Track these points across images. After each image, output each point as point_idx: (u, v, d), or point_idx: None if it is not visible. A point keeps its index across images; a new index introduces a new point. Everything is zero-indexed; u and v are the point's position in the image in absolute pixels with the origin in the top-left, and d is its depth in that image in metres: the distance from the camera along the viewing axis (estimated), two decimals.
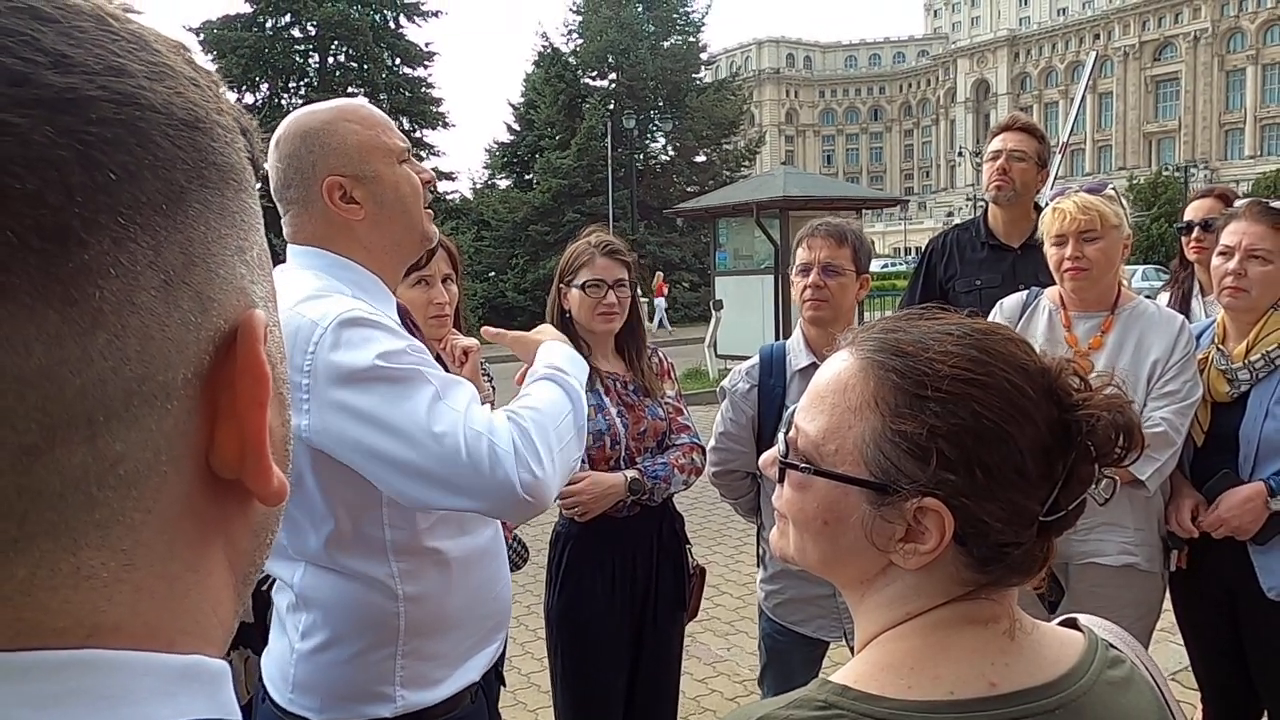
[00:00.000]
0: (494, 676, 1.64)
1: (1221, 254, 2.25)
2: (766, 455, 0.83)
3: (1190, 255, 3.25)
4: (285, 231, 1.42)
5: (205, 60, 0.38)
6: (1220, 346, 2.30)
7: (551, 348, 1.57)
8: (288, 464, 0.39)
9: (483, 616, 1.51)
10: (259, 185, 0.40)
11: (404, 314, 1.53)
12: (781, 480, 0.81)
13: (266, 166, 1.41)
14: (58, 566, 0.31)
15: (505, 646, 1.63)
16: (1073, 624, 0.81)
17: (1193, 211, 3.29)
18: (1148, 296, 2.56)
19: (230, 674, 0.37)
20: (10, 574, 0.30)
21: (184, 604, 0.35)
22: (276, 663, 1.43)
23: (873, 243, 2.55)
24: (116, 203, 0.30)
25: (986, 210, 3.17)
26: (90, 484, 0.31)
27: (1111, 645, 0.80)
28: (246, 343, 0.35)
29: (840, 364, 0.78)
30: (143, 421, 0.32)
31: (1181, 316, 2.35)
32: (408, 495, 1.28)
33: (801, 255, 2.35)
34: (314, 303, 1.29)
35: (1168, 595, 2.36)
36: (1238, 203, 2.61)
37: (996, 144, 3.02)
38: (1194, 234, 3.22)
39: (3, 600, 0.30)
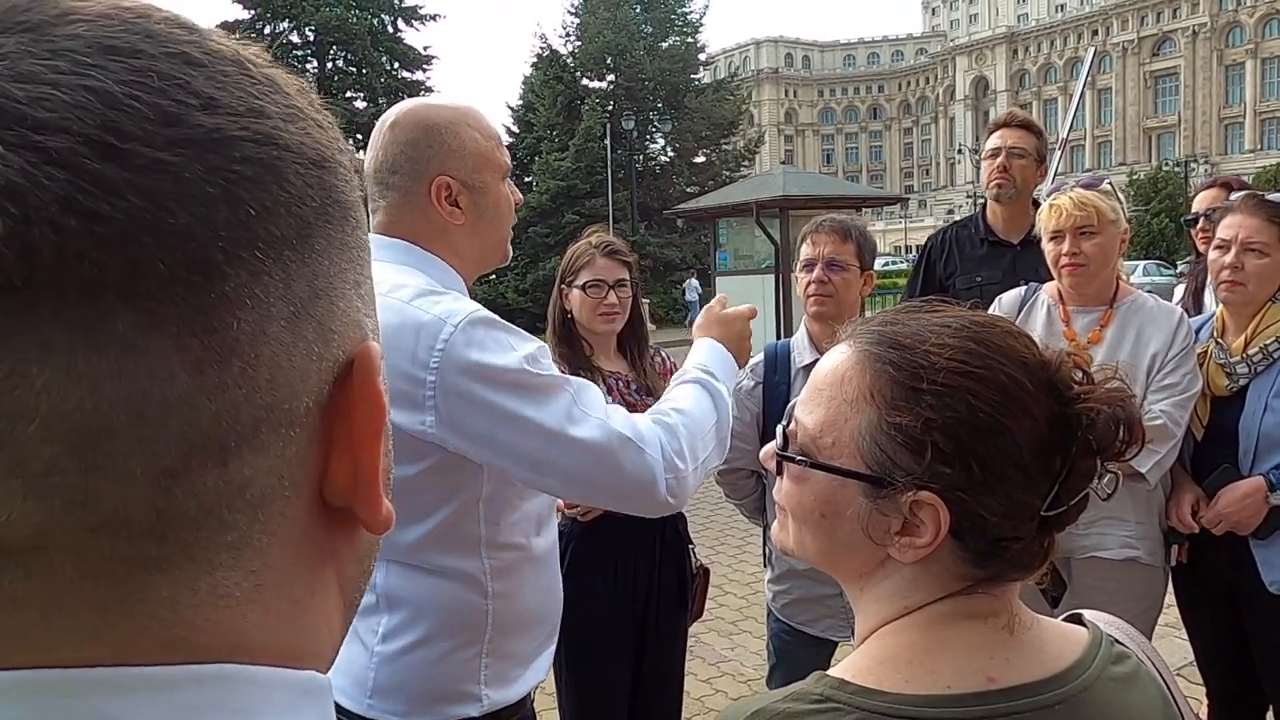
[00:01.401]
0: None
1: (1218, 247, 2.25)
2: (766, 448, 0.83)
3: (1200, 246, 3.25)
4: (374, 219, 1.41)
5: None
6: (1219, 340, 2.30)
7: (707, 346, 1.57)
8: (390, 492, 0.40)
9: (551, 615, 1.52)
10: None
11: None
12: (780, 473, 0.81)
13: (369, 147, 1.41)
14: (196, 586, 0.33)
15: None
16: (1077, 619, 0.81)
17: (1198, 203, 3.30)
18: (1150, 292, 2.57)
19: (331, 690, 0.39)
20: (156, 592, 0.32)
21: (304, 624, 0.37)
22: (346, 671, 1.39)
23: (875, 240, 2.55)
24: (255, 238, 0.32)
25: (985, 207, 3.17)
26: (222, 507, 0.33)
27: (1117, 641, 0.79)
28: (365, 374, 0.37)
29: (838, 357, 0.78)
30: (269, 448, 0.34)
31: (1180, 310, 2.35)
32: (553, 492, 1.33)
33: (805, 251, 2.35)
34: (434, 299, 1.29)
35: (1171, 590, 2.37)
36: (1233, 195, 2.62)
37: (995, 141, 3.01)
38: (1199, 225, 3.23)
39: (155, 618, 0.32)
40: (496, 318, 1.30)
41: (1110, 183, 2.33)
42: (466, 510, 1.36)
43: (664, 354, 2.60)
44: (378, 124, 1.42)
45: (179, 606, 0.32)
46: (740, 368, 1.63)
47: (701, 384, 1.46)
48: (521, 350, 1.28)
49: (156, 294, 0.29)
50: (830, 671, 0.75)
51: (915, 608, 0.75)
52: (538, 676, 1.48)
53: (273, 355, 0.33)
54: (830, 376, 0.78)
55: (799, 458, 0.78)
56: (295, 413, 0.34)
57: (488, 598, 1.38)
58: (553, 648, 1.55)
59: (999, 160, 2.98)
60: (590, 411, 1.28)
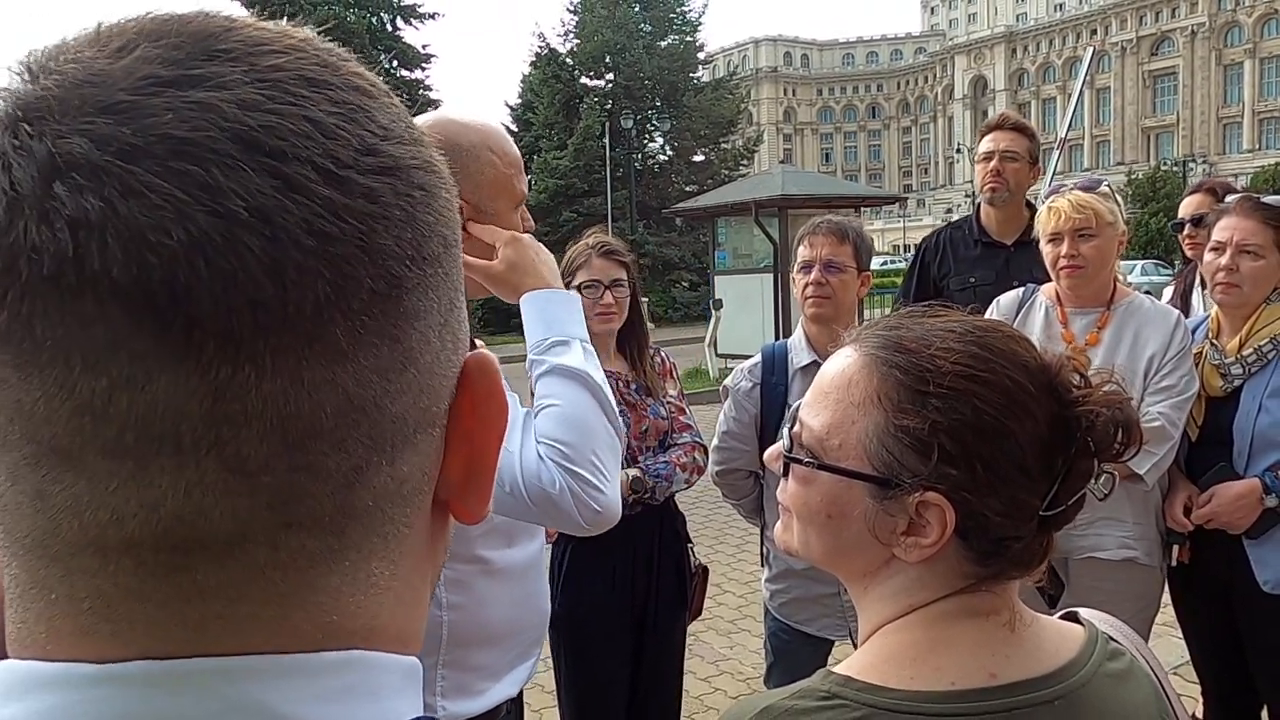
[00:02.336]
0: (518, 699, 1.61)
1: (1213, 250, 2.26)
2: (772, 450, 0.84)
3: (1186, 251, 3.27)
4: None
5: None
6: (1214, 341, 2.31)
7: (529, 309, 1.35)
8: None
9: (525, 629, 1.50)
10: None
11: None
12: (786, 474, 0.82)
13: None
14: (357, 575, 0.35)
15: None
16: (1074, 617, 0.83)
17: (1185, 208, 3.32)
18: (1146, 292, 2.58)
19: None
20: (327, 583, 0.34)
21: (417, 610, 0.40)
22: None
23: (872, 240, 2.56)
24: (424, 255, 0.35)
25: (979, 208, 3.19)
26: (387, 501, 0.35)
27: (1112, 638, 0.81)
28: (489, 375, 0.39)
29: (844, 360, 0.80)
30: (421, 446, 0.36)
31: (1177, 311, 2.36)
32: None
33: (803, 253, 2.36)
34: None
35: (1167, 590, 2.38)
36: (1229, 198, 2.63)
37: (988, 144, 3.04)
38: (1185, 230, 3.25)
39: (317, 605, 0.34)
40: None
41: (1108, 185, 2.34)
42: None
43: (664, 354, 2.61)
44: None
45: (341, 595, 0.35)
46: (554, 276, 1.39)
47: (562, 374, 1.29)
48: None
49: (366, 308, 0.32)
50: (835, 669, 0.76)
51: (919, 606, 0.76)
52: (508, 690, 1.46)
53: (431, 361, 0.36)
54: (837, 380, 0.79)
55: (806, 459, 0.79)
56: (438, 414, 0.37)
57: (442, 609, 1.36)
58: (532, 661, 1.53)
59: (992, 164, 3.00)
60: (508, 449, 1.23)
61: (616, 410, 1.33)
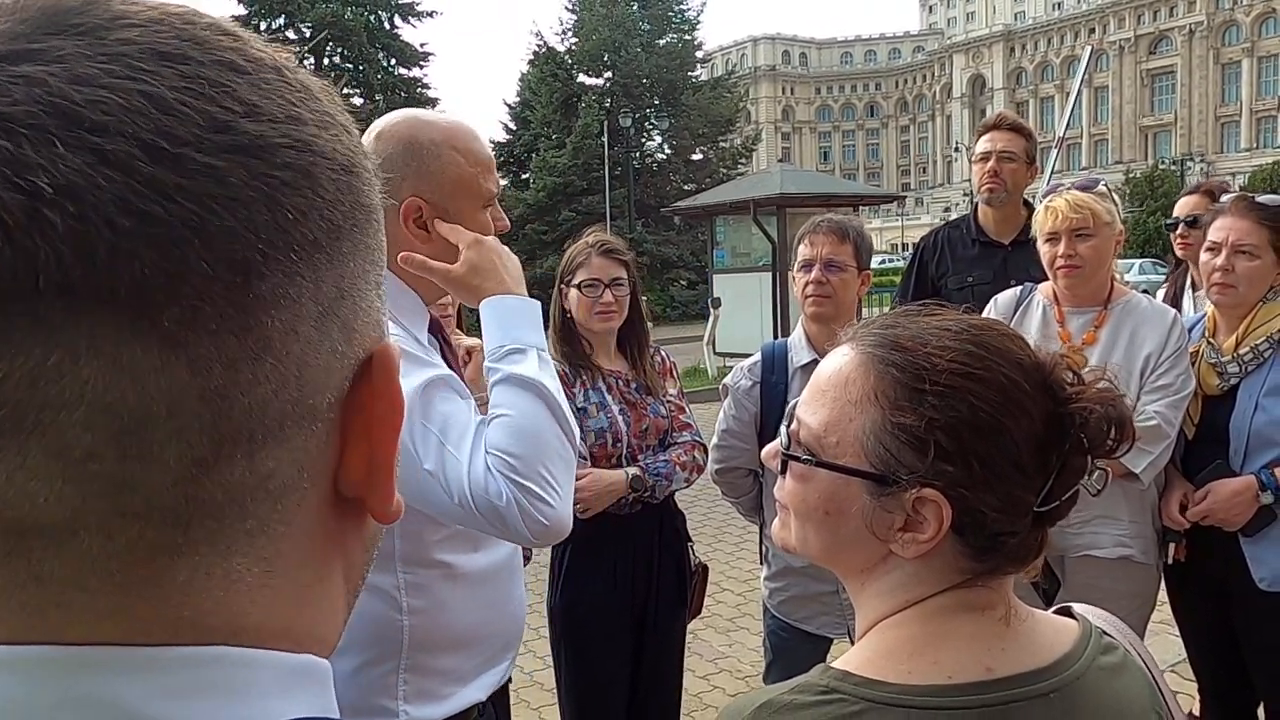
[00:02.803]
0: (492, 704, 1.56)
1: (1209, 250, 2.27)
2: (769, 447, 0.85)
3: (1178, 251, 3.28)
4: None
5: None
6: (1210, 340, 2.32)
7: (488, 315, 1.33)
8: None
9: (493, 635, 1.47)
10: None
11: (436, 327, 1.50)
12: (783, 472, 0.83)
13: None
14: (212, 571, 0.34)
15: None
16: (1068, 612, 0.84)
17: (1179, 208, 3.33)
18: (1144, 291, 2.59)
19: (331, 675, 0.40)
20: (174, 576, 0.33)
21: (309, 610, 0.38)
22: None
23: (871, 239, 2.57)
24: (291, 240, 0.34)
25: (977, 208, 3.20)
26: (245, 497, 0.34)
27: (1105, 633, 0.82)
28: (385, 372, 0.38)
29: (841, 359, 0.81)
30: (292, 441, 0.35)
31: (1174, 311, 2.37)
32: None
33: (803, 252, 2.37)
34: None
35: (1164, 587, 2.39)
36: (1225, 198, 2.64)
37: (985, 145, 3.04)
38: (1178, 231, 3.26)
39: (164, 600, 0.33)
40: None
41: (1106, 184, 2.35)
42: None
43: (664, 352, 2.61)
44: (369, 130, 1.38)
45: (192, 590, 0.34)
46: (517, 281, 1.36)
47: (516, 384, 1.28)
48: (415, 380, 1.23)
49: (200, 293, 0.31)
50: (834, 664, 0.77)
51: (916, 601, 0.77)
52: (476, 695, 1.43)
53: (301, 353, 0.34)
54: (834, 378, 0.80)
55: (804, 456, 0.80)
56: (318, 408, 0.36)
57: (402, 613, 1.34)
58: (504, 666, 1.50)
59: (989, 164, 3.00)
60: (458, 457, 1.23)
61: (573, 420, 1.30)
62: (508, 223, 1.44)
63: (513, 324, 1.32)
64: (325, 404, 0.36)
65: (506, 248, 1.39)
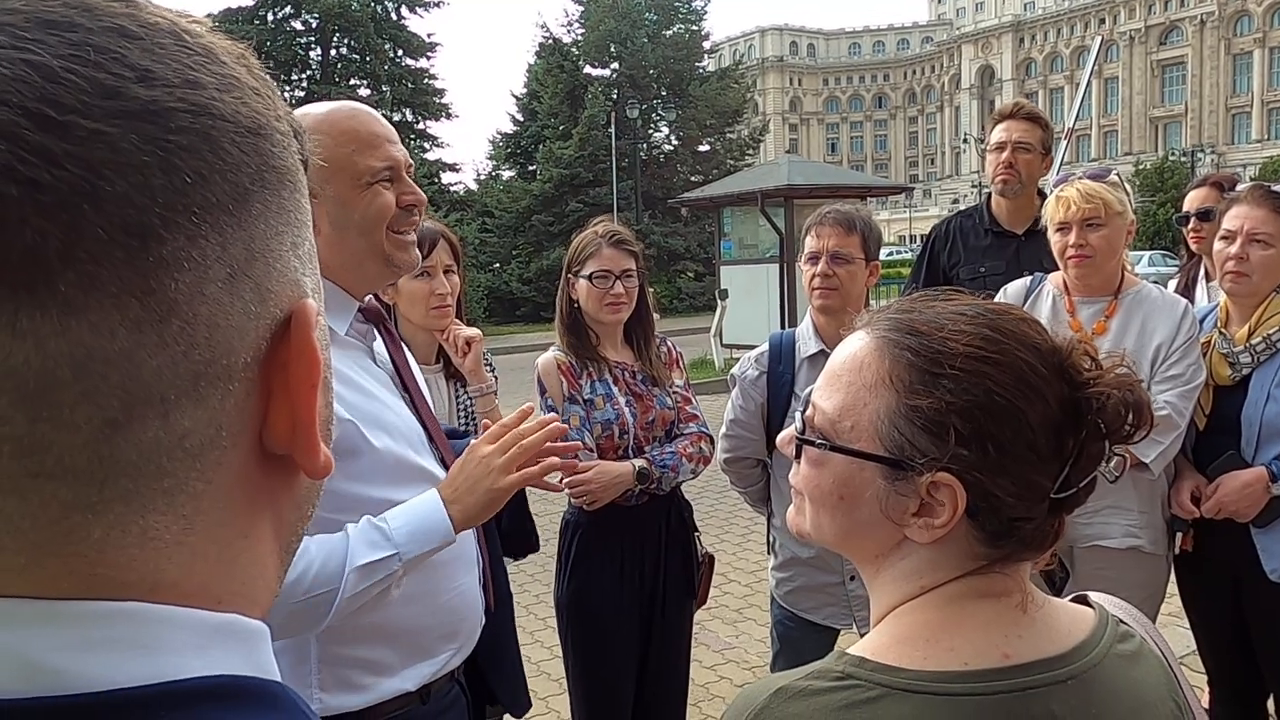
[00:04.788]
0: (460, 688, 1.54)
1: (1223, 238, 2.26)
2: (784, 433, 0.85)
3: (1191, 245, 3.26)
4: None
5: None
6: (1222, 330, 2.31)
7: (415, 506, 1.36)
8: (330, 441, 0.42)
9: (422, 628, 1.44)
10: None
11: (378, 315, 1.48)
12: (798, 457, 0.83)
13: None
14: (128, 528, 0.34)
15: (466, 657, 1.53)
16: (1084, 600, 0.83)
17: (1190, 202, 3.30)
18: (1155, 282, 2.57)
19: (269, 635, 0.39)
20: (88, 534, 0.34)
21: (234, 568, 0.38)
22: None
23: (880, 229, 2.55)
24: (191, 204, 0.34)
25: (989, 197, 3.16)
26: (161, 456, 0.35)
27: (1122, 621, 0.82)
28: (300, 329, 0.39)
29: (856, 343, 0.80)
30: (208, 401, 0.35)
31: (1185, 300, 2.36)
32: None
33: (810, 243, 2.35)
34: None
35: (1173, 578, 2.38)
36: (1239, 187, 2.62)
37: (1000, 134, 2.99)
38: (1190, 224, 3.23)
39: (80, 556, 0.34)
40: None
41: (1118, 174, 2.33)
42: None
43: (670, 343, 2.61)
44: None
45: (107, 547, 0.34)
46: (477, 514, 1.39)
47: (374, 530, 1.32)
48: None
49: (96, 257, 0.31)
50: (849, 650, 0.77)
51: (931, 587, 0.77)
52: (402, 685, 1.41)
53: (210, 314, 0.35)
54: (849, 363, 0.80)
55: (818, 441, 0.80)
56: (234, 368, 0.36)
57: None
58: (444, 658, 1.47)
59: (1004, 155, 2.95)
60: None
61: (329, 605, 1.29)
62: (420, 195, 1.41)
63: (420, 533, 1.34)
64: (241, 363, 0.36)
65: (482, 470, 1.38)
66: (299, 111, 1.36)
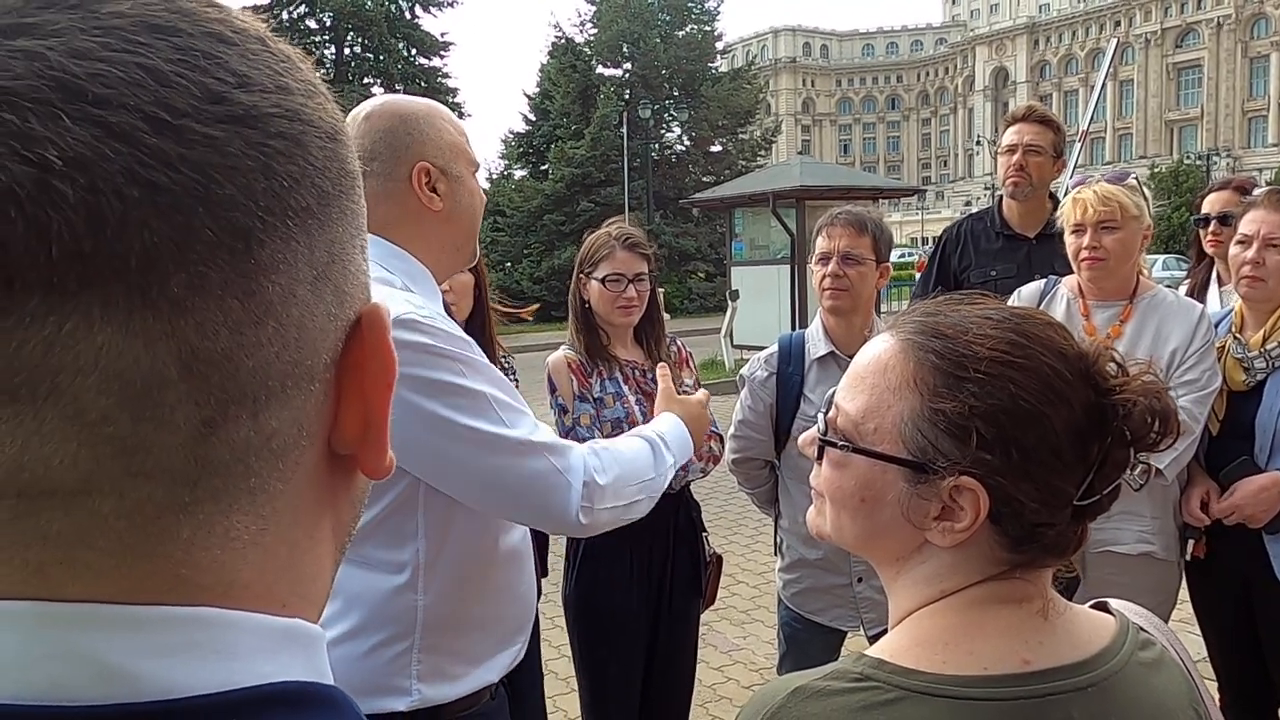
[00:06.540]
0: (505, 685, 1.59)
1: (1239, 243, 2.24)
2: (807, 434, 0.84)
3: (1208, 249, 3.23)
4: None
5: None
6: (1237, 335, 2.30)
7: (670, 420, 1.65)
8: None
9: (505, 618, 1.49)
10: None
11: (447, 309, 1.52)
12: (820, 459, 0.82)
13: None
14: (214, 528, 0.35)
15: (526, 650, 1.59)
16: (1104, 608, 0.83)
17: (1209, 204, 3.26)
18: (1168, 286, 2.56)
19: (325, 640, 0.40)
20: (177, 534, 0.34)
21: (298, 569, 0.39)
22: None
23: (891, 231, 2.54)
24: (286, 207, 0.35)
25: (1001, 200, 3.15)
26: (250, 455, 0.35)
27: (1143, 629, 0.81)
28: (377, 331, 0.39)
29: (880, 345, 0.80)
30: (293, 401, 0.36)
31: (1200, 305, 2.34)
32: (471, 502, 1.33)
33: (821, 244, 2.35)
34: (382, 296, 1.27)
35: (1184, 585, 2.37)
36: (1256, 191, 2.60)
37: (1012, 136, 2.98)
38: (1210, 228, 3.20)
39: (166, 557, 0.34)
40: (423, 320, 1.27)
41: (1136, 177, 2.32)
42: (405, 505, 1.34)
43: (680, 343, 2.61)
44: (349, 117, 1.40)
45: (193, 547, 0.34)
46: (697, 447, 1.74)
47: (651, 443, 1.52)
48: (452, 356, 1.28)
49: (205, 259, 0.32)
50: (868, 651, 0.76)
51: (952, 591, 0.76)
52: (489, 676, 1.46)
53: (299, 316, 0.36)
54: (873, 365, 0.80)
55: (841, 443, 0.79)
56: (315, 369, 0.37)
57: (419, 594, 1.37)
58: (516, 648, 1.52)
59: (1015, 158, 2.94)
60: (514, 429, 1.30)
61: (655, 500, 1.51)
62: (484, 196, 1.52)
63: (677, 437, 1.62)
64: (322, 364, 0.37)
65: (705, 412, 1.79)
66: (395, 100, 1.44)
